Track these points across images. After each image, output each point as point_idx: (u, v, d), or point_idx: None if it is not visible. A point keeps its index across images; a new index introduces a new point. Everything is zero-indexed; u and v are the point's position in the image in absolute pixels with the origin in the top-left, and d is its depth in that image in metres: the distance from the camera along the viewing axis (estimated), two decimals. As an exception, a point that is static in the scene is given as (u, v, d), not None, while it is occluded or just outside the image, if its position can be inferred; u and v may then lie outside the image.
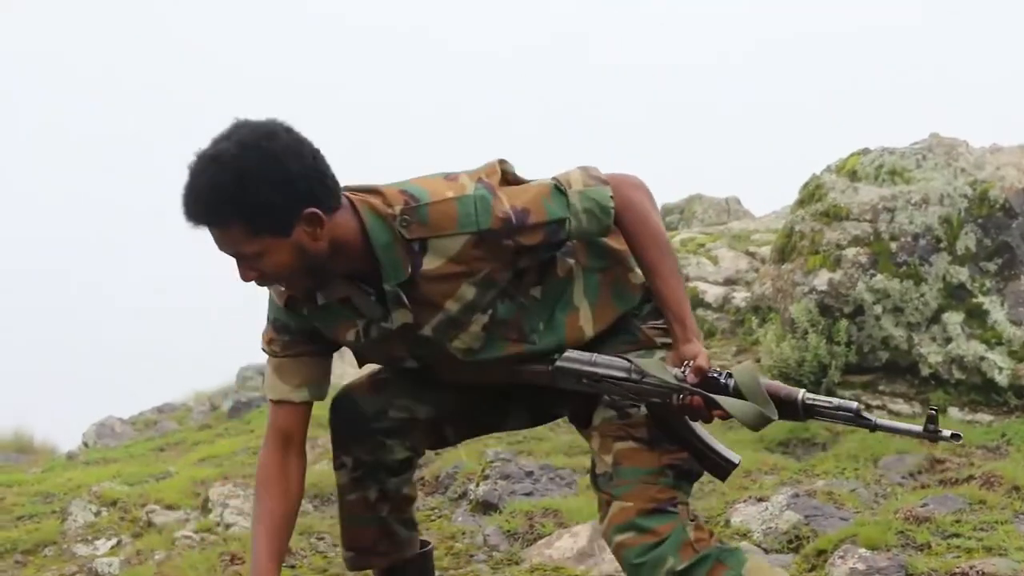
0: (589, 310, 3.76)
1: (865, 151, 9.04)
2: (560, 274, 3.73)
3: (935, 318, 8.11)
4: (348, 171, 3.63)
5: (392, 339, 3.72)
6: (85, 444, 11.60)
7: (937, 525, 5.66)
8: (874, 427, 3.44)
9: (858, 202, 8.50)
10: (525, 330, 3.70)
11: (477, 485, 6.90)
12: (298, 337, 3.85)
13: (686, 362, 3.57)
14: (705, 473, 3.80)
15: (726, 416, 3.52)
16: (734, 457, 3.72)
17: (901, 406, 7.97)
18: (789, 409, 3.49)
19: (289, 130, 3.45)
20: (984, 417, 7.78)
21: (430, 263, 3.55)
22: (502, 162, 3.70)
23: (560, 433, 8.45)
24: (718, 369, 3.58)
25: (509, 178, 3.70)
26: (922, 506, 5.92)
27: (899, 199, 8.39)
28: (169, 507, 7.32)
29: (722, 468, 3.73)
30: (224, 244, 3.47)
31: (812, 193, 8.94)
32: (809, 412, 3.47)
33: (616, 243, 3.81)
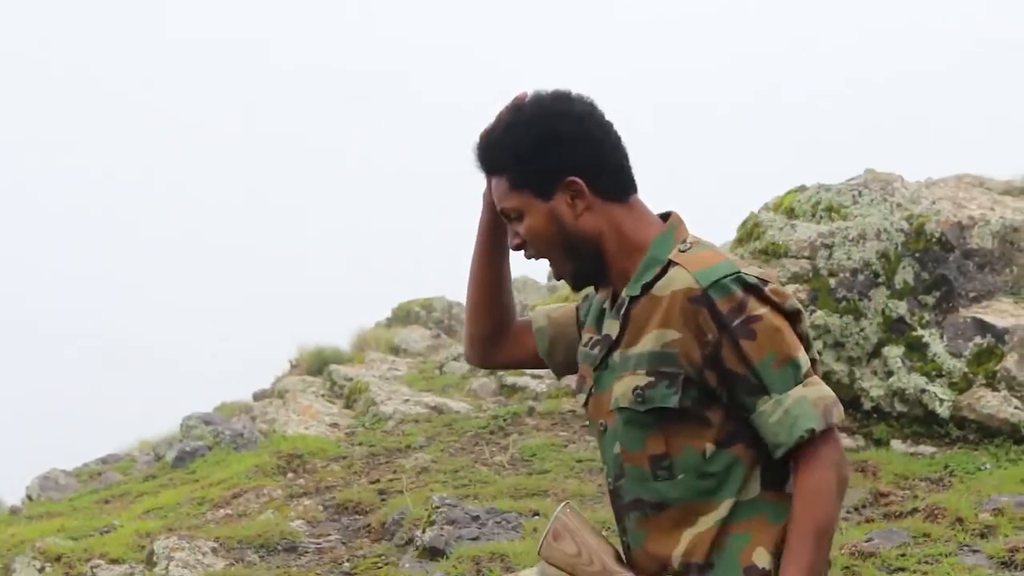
0: (708, 529, 3.35)
1: (802, 188, 9.11)
2: (731, 456, 3.34)
3: (875, 352, 8.17)
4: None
5: (591, 360, 3.54)
6: (29, 497, 11.51)
7: (883, 560, 5.70)
8: None
9: (796, 239, 8.56)
10: (667, 458, 3.36)
11: (423, 531, 6.88)
12: (573, 320, 3.75)
13: None
14: None
15: None
16: None
17: (845, 440, 8.00)
18: None
19: (591, 106, 3.45)
20: (927, 449, 7.83)
21: (659, 288, 3.37)
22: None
23: (506, 476, 8.44)
24: None
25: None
26: (867, 541, 5.96)
27: (836, 235, 8.46)
28: (114, 561, 7.27)
29: None
30: (495, 195, 3.49)
31: (750, 231, 9.00)
32: None
33: (776, 499, 3.37)
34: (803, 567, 3.19)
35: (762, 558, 3.32)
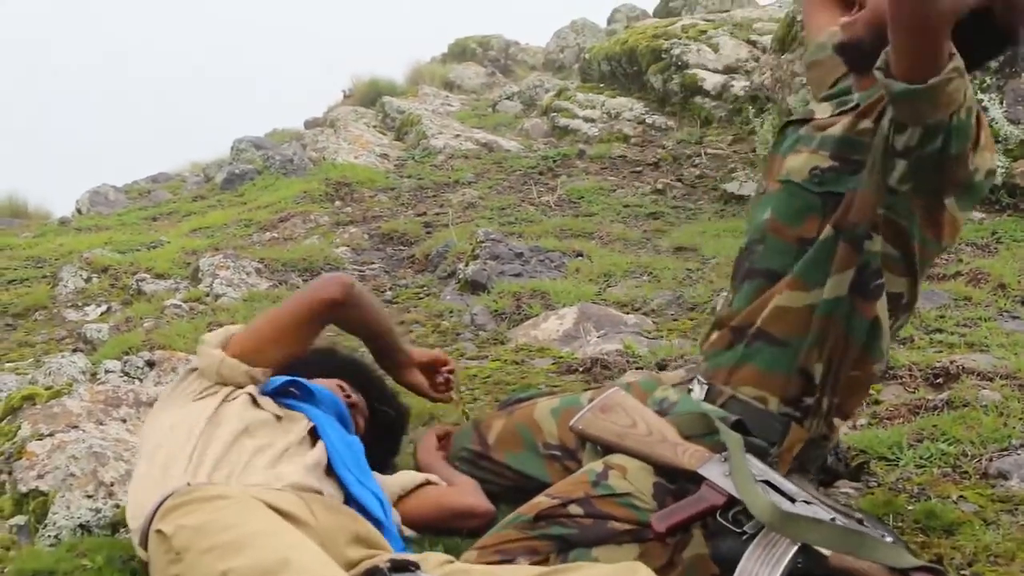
0: (800, 307, 3.36)
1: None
2: (832, 246, 3.29)
3: (933, 113, 8.05)
4: None
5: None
6: (78, 211, 11.63)
7: (922, 319, 5.68)
8: None
9: (862, -7, 8.39)
10: (812, 243, 3.32)
11: (467, 264, 6.91)
12: None
13: None
14: None
15: None
16: None
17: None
18: None
19: None
20: (975, 215, 7.76)
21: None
22: None
23: (552, 216, 8.45)
24: None
25: None
26: (907, 300, 5.94)
27: (904, -8, 8.27)
28: (159, 276, 7.35)
29: None
30: None
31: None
32: None
33: (858, 307, 3.34)
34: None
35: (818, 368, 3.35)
